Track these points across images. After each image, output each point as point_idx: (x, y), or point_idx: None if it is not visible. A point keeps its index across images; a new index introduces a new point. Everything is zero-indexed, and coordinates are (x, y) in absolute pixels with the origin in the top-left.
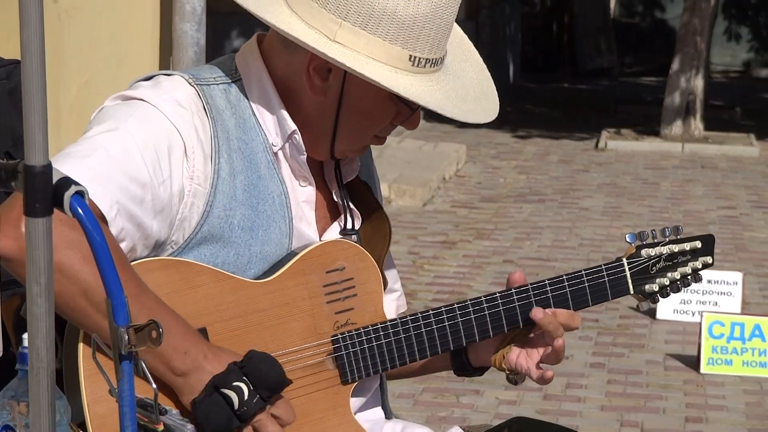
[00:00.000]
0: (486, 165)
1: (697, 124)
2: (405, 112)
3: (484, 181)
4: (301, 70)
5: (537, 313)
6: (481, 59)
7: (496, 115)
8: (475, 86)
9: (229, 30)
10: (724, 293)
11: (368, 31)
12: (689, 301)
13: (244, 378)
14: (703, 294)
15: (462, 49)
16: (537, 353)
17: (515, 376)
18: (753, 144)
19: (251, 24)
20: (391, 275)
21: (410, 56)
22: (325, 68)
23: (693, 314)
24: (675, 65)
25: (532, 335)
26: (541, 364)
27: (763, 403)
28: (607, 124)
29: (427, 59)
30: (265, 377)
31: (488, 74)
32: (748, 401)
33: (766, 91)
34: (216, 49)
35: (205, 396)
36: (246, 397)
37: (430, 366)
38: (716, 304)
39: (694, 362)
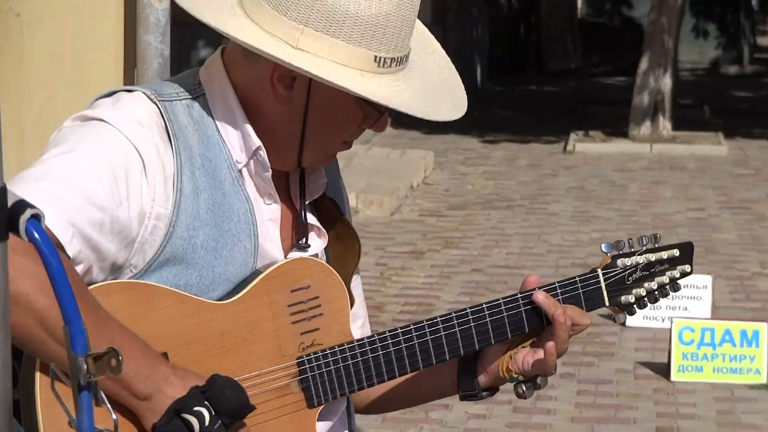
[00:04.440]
0: (454, 171)
1: (665, 124)
2: (372, 115)
3: (452, 188)
4: (265, 81)
5: (538, 295)
6: (443, 51)
7: (465, 110)
8: (441, 81)
9: (195, 40)
10: (694, 297)
11: (331, 35)
12: (659, 307)
13: (206, 403)
14: (672, 299)
15: (423, 43)
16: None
17: (524, 385)
18: (721, 143)
19: (217, 33)
20: (358, 300)
21: (375, 57)
22: (289, 77)
23: (663, 320)
24: (643, 64)
25: (533, 341)
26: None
27: (735, 410)
28: (574, 125)
29: (392, 58)
30: (228, 403)
31: (452, 66)
32: (719, 408)
33: (733, 88)
34: (182, 59)
35: (166, 421)
36: (207, 423)
37: (423, 395)
38: (686, 308)
39: (664, 369)
